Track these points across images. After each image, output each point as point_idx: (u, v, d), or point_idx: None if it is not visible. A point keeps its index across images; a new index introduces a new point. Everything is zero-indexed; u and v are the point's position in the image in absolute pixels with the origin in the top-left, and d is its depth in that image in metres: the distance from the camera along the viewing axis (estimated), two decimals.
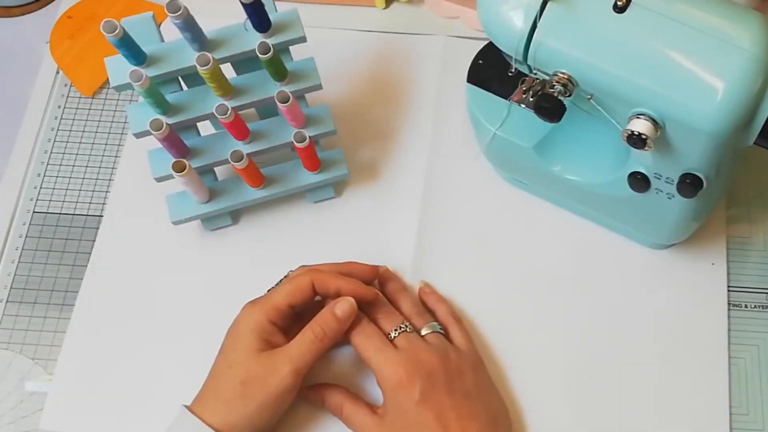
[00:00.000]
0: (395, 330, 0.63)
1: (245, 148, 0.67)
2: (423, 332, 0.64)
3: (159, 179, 0.68)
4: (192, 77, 0.66)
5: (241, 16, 0.63)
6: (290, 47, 0.67)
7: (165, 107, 0.65)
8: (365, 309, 0.65)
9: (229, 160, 0.65)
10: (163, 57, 0.64)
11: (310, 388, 0.65)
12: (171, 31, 0.63)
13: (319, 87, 0.67)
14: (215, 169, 0.71)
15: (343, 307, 0.62)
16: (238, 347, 0.62)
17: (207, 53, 0.61)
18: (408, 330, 0.63)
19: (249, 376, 0.60)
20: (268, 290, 0.65)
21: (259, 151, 0.68)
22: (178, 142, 0.66)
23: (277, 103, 0.64)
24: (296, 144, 0.66)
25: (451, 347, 0.64)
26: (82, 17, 0.83)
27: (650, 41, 0.52)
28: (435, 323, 0.65)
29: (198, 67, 0.61)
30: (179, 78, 0.66)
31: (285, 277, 0.67)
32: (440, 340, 0.64)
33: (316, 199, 0.73)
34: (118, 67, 0.63)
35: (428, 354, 0.61)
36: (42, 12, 0.86)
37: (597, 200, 0.67)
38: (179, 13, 0.59)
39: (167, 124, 0.63)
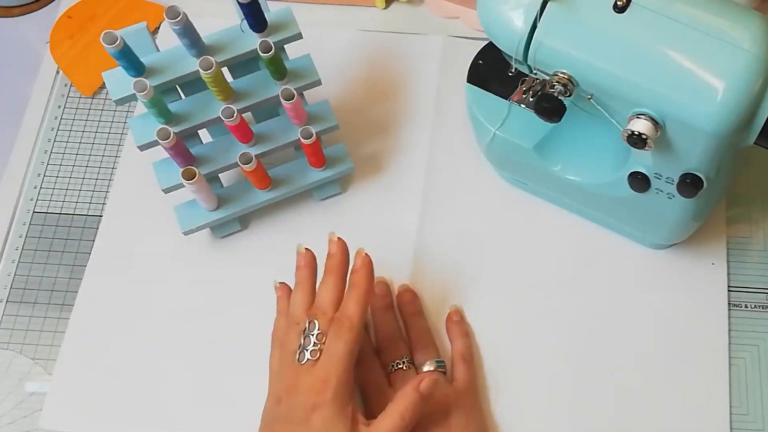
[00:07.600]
0: (393, 365, 0.63)
1: (251, 151, 0.67)
2: (424, 368, 0.64)
3: (167, 190, 0.67)
4: (191, 85, 0.65)
5: (231, 13, 0.63)
6: (289, 48, 0.67)
7: (168, 117, 0.64)
8: (375, 331, 0.66)
9: (238, 162, 0.65)
10: (162, 66, 0.63)
11: None
12: (164, 40, 0.62)
13: (318, 83, 0.67)
14: (219, 176, 0.71)
15: (426, 384, 0.57)
16: None
17: (209, 57, 0.61)
18: (405, 367, 0.63)
19: None
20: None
21: (264, 153, 0.68)
22: (184, 150, 0.65)
23: (282, 101, 0.64)
24: (303, 141, 0.66)
25: (445, 387, 0.62)
26: (82, 17, 0.83)
27: (650, 41, 0.52)
28: (437, 360, 0.64)
29: (201, 71, 0.61)
30: (177, 87, 0.66)
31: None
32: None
33: (323, 197, 0.73)
34: (118, 81, 0.63)
35: None
36: (42, 12, 0.85)
37: (597, 200, 0.67)
38: (179, 19, 0.59)
39: (174, 132, 0.63)
